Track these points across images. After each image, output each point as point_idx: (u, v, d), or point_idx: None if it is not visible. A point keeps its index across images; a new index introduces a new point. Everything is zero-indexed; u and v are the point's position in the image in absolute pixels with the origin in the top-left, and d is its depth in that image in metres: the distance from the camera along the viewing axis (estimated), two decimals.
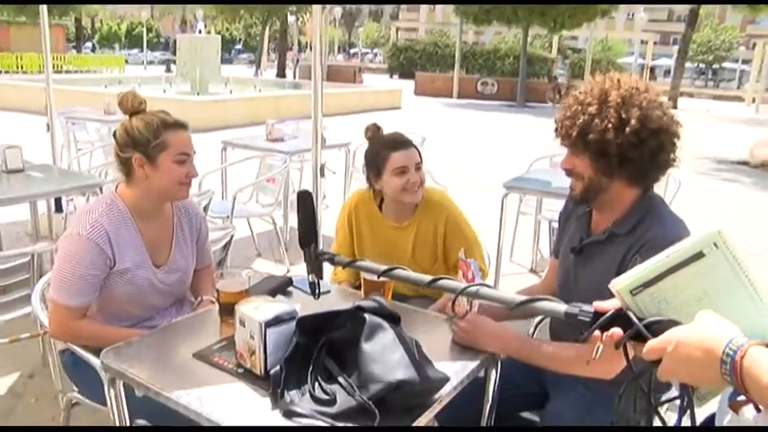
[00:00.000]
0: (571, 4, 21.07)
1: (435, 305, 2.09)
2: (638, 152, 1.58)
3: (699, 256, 0.94)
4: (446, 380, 1.45)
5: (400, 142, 2.35)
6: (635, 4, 32.74)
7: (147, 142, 1.90)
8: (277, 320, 1.46)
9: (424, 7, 64.36)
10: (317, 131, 3.31)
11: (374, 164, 2.35)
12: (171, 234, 2.09)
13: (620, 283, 0.98)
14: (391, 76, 37.60)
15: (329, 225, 2.68)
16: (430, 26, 59.19)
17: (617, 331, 0.98)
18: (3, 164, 3.68)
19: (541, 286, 2.13)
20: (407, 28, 62.49)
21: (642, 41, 39.50)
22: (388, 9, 73.32)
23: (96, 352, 1.65)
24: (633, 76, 1.75)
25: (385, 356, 1.36)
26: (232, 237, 2.75)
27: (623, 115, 1.57)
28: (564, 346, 1.66)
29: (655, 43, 43.08)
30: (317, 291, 1.58)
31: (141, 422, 1.71)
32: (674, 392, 0.99)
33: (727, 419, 0.96)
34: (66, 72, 28.43)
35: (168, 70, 28.10)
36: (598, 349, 1.03)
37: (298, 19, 37.24)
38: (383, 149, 2.33)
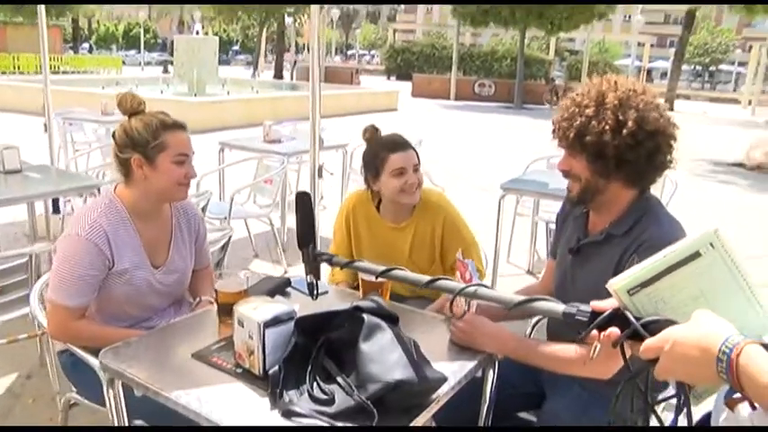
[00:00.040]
0: (569, 4, 21.07)
1: (433, 306, 2.09)
2: (634, 154, 1.59)
3: (695, 255, 0.95)
4: (444, 380, 1.46)
5: (398, 144, 2.36)
6: (632, 4, 32.74)
7: (146, 143, 1.90)
8: (276, 321, 1.47)
9: (421, 9, 64.39)
10: (315, 133, 3.31)
11: (372, 165, 2.35)
12: (169, 235, 2.09)
13: (617, 283, 0.99)
14: (388, 78, 37.63)
15: (327, 226, 2.69)
16: (427, 28, 59.21)
17: (614, 331, 0.99)
18: (0, 164, 3.67)
19: (539, 287, 2.14)
20: (404, 29, 62.48)
21: (639, 44, 39.56)
22: (386, 11, 73.38)
23: (95, 352, 1.65)
24: (630, 78, 1.77)
25: (383, 356, 1.36)
26: (230, 238, 2.76)
27: (620, 117, 1.58)
28: (561, 346, 1.67)
29: (651, 45, 43.20)
30: (315, 291, 1.59)
31: (140, 422, 1.72)
32: (670, 391, 1.00)
33: (722, 417, 0.97)
34: (63, 73, 28.40)
35: (165, 71, 28.10)
36: (596, 349, 1.04)
37: (295, 20, 37.19)
38: (381, 151, 2.33)
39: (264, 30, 34.49)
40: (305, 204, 1.55)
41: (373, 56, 65.73)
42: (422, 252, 2.42)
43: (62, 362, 2.03)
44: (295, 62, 33.72)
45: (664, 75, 42.44)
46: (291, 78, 30.49)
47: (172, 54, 21.45)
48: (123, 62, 36.47)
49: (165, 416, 1.49)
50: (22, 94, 14.43)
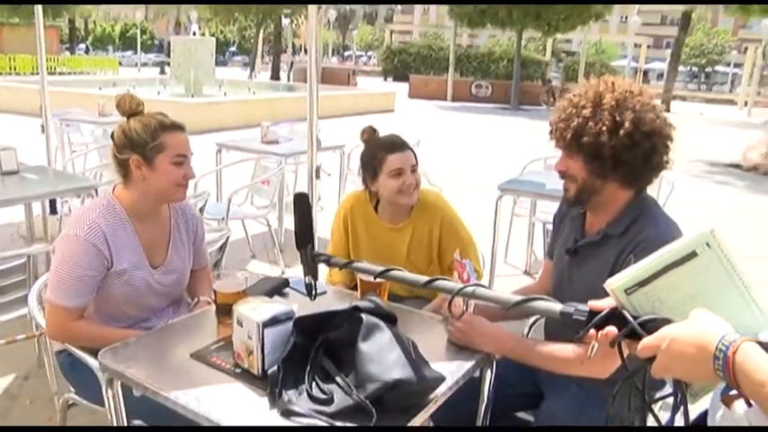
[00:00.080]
0: (568, 4, 21.10)
1: (430, 306, 2.10)
2: (631, 154, 1.60)
3: (692, 255, 0.96)
4: (442, 379, 1.46)
5: (396, 144, 2.36)
6: (629, 4, 32.79)
7: (145, 144, 1.91)
8: (274, 321, 1.47)
9: (418, 10, 64.41)
10: (312, 134, 3.31)
11: (370, 166, 2.36)
12: (168, 235, 2.09)
13: (614, 283, 1.00)
14: (385, 79, 37.64)
15: (324, 227, 2.69)
16: (424, 29, 59.17)
17: (612, 330, 1.00)
18: None
19: (536, 287, 2.15)
20: (401, 31, 62.48)
21: (635, 45, 39.60)
22: (383, 12, 73.37)
23: (93, 353, 1.66)
24: (627, 79, 1.77)
25: (382, 356, 1.37)
26: (228, 238, 2.76)
27: (617, 118, 1.59)
28: (559, 345, 1.67)
29: (648, 47, 43.24)
30: (313, 292, 1.59)
31: (138, 422, 1.72)
32: (667, 390, 1.00)
33: (719, 414, 0.97)
34: (60, 74, 28.35)
35: (162, 72, 28.07)
36: (593, 348, 1.05)
37: (292, 21, 37.21)
38: (379, 151, 2.34)
39: (261, 31, 34.43)
40: (303, 205, 1.55)
41: (370, 57, 65.71)
42: (420, 252, 2.42)
43: (60, 362, 2.03)
44: (292, 63, 33.70)
45: (660, 76, 42.55)
46: (288, 79, 30.48)
47: (169, 55, 21.42)
48: (120, 63, 36.40)
49: (164, 416, 1.49)
50: (18, 95, 14.42)
